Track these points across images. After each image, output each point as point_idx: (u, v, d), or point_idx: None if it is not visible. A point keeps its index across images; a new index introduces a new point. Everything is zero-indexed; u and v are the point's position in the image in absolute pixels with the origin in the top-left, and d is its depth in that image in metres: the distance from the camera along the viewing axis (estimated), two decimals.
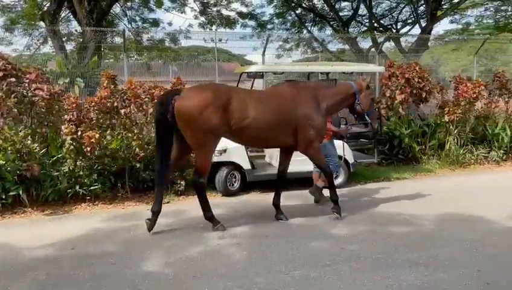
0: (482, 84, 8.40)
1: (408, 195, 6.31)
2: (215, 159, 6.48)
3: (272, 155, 7.24)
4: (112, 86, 6.37)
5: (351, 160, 6.98)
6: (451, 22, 28.42)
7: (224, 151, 6.47)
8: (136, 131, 6.33)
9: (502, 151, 8.57)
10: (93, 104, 6.10)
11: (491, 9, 27.95)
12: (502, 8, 27.88)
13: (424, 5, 16.09)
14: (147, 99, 6.38)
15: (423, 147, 8.55)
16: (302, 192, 6.60)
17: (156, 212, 4.85)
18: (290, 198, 6.30)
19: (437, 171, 8.12)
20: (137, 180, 6.53)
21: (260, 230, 4.95)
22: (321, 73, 7.48)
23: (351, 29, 20.07)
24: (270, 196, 5.72)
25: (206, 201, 4.94)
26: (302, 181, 6.85)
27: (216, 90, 4.77)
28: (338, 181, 6.87)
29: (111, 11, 16.88)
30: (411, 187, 6.84)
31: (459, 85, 8.51)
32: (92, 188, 6.14)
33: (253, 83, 6.50)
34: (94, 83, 9.89)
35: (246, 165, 6.52)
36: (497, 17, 28.24)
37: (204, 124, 4.54)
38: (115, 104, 6.19)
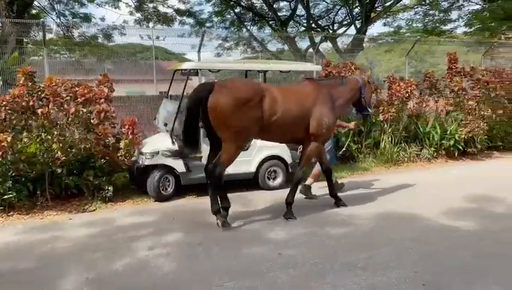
0: (414, 84, 8.65)
1: (346, 195, 6.27)
2: (146, 162, 6.07)
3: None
4: (30, 84, 5.74)
5: (289, 160, 6.84)
6: (384, 24, 29.68)
7: (157, 153, 6.06)
8: (56, 133, 5.73)
9: (432, 149, 8.89)
10: (4, 103, 5.43)
11: (420, 13, 29.64)
12: (430, 12, 29.66)
13: (358, 7, 16.55)
14: (68, 98, 5.80)
15: (359, 145, 8.65)
16: (240, 194, 6.37)
17: (217, 211, 4.95)
18: None
19: (373, 170, 8.24)
20: (60, 186, 5.93)
21: (193, 237, 4.63)
22: (258, 71, 7.28)
23: (289, 29, 20.24)
24: (206, 200, 5.43)
25: (217, 193, 4.98)
26: (240, 183, 6.63)
27: (250, 87, 4.86)
28: (277, 182, 6.72)
29: (37, 3, 15.65)
30: (349, 186, 6.83)
31: (393, 85, 8.71)
32: (5, 197, 5.49)
33: (186, 82, 6.15)
34: (13, 80, 8.98)
35: (180, 167, 6.15)
36: (426, 21, 30.02)
37: (239, 121, 4.59)
38: (31, 103, 5.56)
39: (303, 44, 18.81)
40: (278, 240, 4.52)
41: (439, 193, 6.42)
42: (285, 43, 17.32)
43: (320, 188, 6.41)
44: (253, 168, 6.53)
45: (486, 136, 9.16)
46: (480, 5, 29.47)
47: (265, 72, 7.17)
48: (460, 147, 8.87)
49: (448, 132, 8.92)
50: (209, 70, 7.00)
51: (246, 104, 4.62)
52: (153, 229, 4.90)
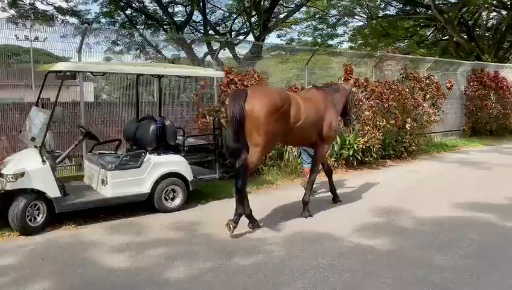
0: None
1: (256, 212, 5.69)
2: (8, 186, 4.79)
3: (92, 176, 5.82)
4: None
5: (189, 177, 6.06)
6: (278, 36, 30.71)
7: (22, 175, 4.81)
8: None
9: (333, 159, 8.83)
10: None
11: (311, 27, 31.13)
12: (319, 26, 31.32)
13: (256, 16, 16.45)
14: None
15: (264, 158, 8.20)
16: (132, 221, 5.41)
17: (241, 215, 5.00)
18: (115, 230, 5.04)
19: (278, 183, 7.84)
20: None
21: (66, 285, 3.60)
22: (152, 76, 6.39)
23: (185, 36, 19.44)
24: (89, 230, 4.42)
25: (244, 186, 5.05)
26: (133, 206, 5.66)
27: (280, 94, 5.10)
28: (175, 203, 5.88)
29: None
30: (255, 203, 6.28)
31: None
32: None
33: (61, 87, 5.01)
34: None
35: (54, 192, 4.97)
36: (315, 34, 31.64)
37: (271, 127, 4.82)
38: None
39: (201, 51, 18.16)
40: (178, 281, 3.71)
41: (346, 207, 6.19)
42: (182, 49, 16.45)
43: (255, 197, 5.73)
44: (147, 189, 5.60)
45: (380, 146, 9.41)
46: (362, 22, 32.01)
47: (160, 77, 6.30)
48: (359, 157, 8.96)
49: (347, 142, 8.94)
50: (92, 73, 5.92)
51: (278, 110, 4.89)
52: (12, 277, 3.75)
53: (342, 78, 9.72)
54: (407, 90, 10.14)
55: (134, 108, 6.73)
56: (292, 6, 19.01)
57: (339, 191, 6.80)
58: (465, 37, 25.51)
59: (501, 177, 8.21)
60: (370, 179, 8.12)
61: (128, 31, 18.66)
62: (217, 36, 17.81)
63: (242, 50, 16.90)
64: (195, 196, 6.51)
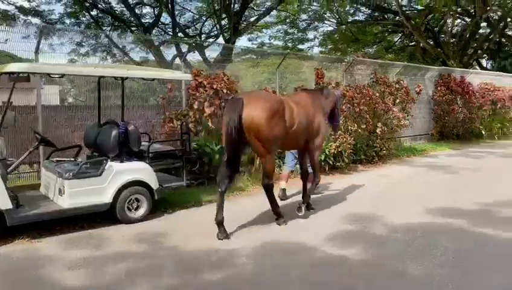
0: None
1: (227, 221, 5.45)
2: None
3: (49, 185, 5.42)
4: None
5: (155, 185, 5.75)
6: (249, 40, 30.63)
7: None
8: None
9: None
10: None
11: (282, 31, 31.20)
12: (290, 31, 31.43)
13: (226, 18, 16.23)
14: None
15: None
16: (91, 233, 5.06)
17: (221, 221, 4.96)
18: (73, 243, 4.69)
19: (249, 189, 7.62)
20: None
21: None
22: (115, 78, 6.04)
23: (154, 38, 19.01)
24: (44, 244, 4.06)
25: (274, 199, 5.46)
26: (94, 217, 5.31)
27: (275, 100, 5.17)
28: (139, 213, 5.56)
29: None
30: (225, 212, 6.05)
31: None
32: None
33: (13, 89, 4.61)
34: None
35: (5, 203, 4.56)
36: (286, 39, 31.74)
37: (271, 133, 4.85)
38: None
39: (169, 53, 17.76)
40: None
41: (318, 214, 6.03)
42: (150, 52, 16.04)
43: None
44: (108, 198, 5.25)
45: (351, 150, 9.35)
46: (332, 27, 32.36)
47: (123, 79, 5.97)
48: (331, 162, 8.86)
49: None
50: (50, 75, 5.52)
51: (276, 114, 4.91)
52: None
53: (314, 82, 9.66)
54: (377, 94, 10.15)
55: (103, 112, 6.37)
56: (263, 9, 18.91)
57: (311, 197, 6.66)
58: (432, 43, 26.18)
59: (468, 181, 8.28)
60: (342, 184, 8.02)
61: (93, 32, 18.09)
62: (186, 38, 17.49)
63: (212, 53, 16.65)
64: (161, 204, 6.20)
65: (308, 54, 22.82)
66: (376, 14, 30.44)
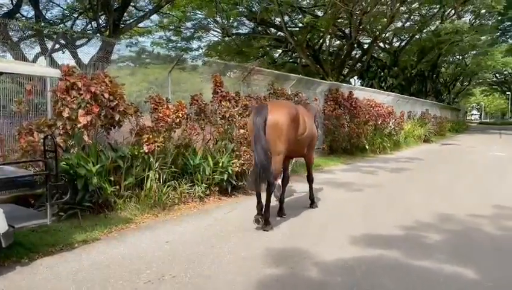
0: (185, 107, 7.03)
1: (102, 278, 3.92)
2: None
3: None
4: None
5: (2, 228, 3.92)
6: (128, 46, 28.24)
7: None
8: None
9: (204, 185, 7.42)
10: None
11: (164, 38, 29.53)
12: (174, 38, 29.93)
13: (104, 15, 14.14)
14: None
15: (118, 187, 6.34)
16: None
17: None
18: None
19: (138, 220, 6.06)
20: None
21: None
22: None
23: (11, 33, 15.84)
24: None
25: (270, 201, 5.66)
26: None
27: (293, 107, 5.96)
28: None
29: None
30: (104, 258, 4.50)
31: (159, 107, 6.83)
32: None
33: None
34: None
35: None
36: (169, 46, 30.14)
37: (288, 135, 5.58)
38: None
39: (31, 53, 14.85)
40: None
41: (233, 253, 4.83)
42: (5, 47, 13.09)
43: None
44: None
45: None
46: (218, 38, 31.81)
47: None
48: (234, 182, 7.75)
49: (220, 164, 7.65)
50: None
51: (294, 120, 5.67)
52: None
53: (211, 90, 8.51)
54: None
55: None
56: (146, 9, 17.17)
57: (216, 227, 5.45)
58: (312, 59, 27.21)
59: (377, 200, 7.91)
60: (249, 208, 6.95)
61: None
62: (54, 36, 14.83)
63: (87, 56, 14.35)
64: (16, 251, 4.37)
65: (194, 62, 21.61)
66: (259, 28, 30.81)
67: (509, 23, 42.46)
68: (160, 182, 6.77)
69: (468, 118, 76.52)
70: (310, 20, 22.77)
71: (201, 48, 32.31)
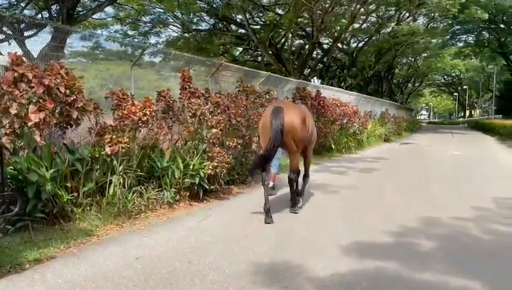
0: (153, 104, 6.33)
1: None
2: None
3: None
4: None
5: None
6: (81, 38, 26.65)
7: None
8: None
9: (173, 189, 6.76)
10: None
11: (120, 32, 28.17)
12: (130, 33, 28.62)
13: (57, 4, 12.98)
14: None
15: (75, 194, 5.55)
16: None
17: (268, 210, 5.96)
18: None
19: (100, 232, 5.32)
20: None
21: None
22: None
23: None
24: None
25: (296, 190, 6.62)
26: None
27: (302, 108, 6.73)
28: None
29: None
30: (62, 282, 3.79)
31: (123, 103, 6.09)
32: None
33: None
34: None
35: None
36: (126, 42, 28.79)
37: (302, 134, 6.20)
38: None
39: None
40: None
41: (214, 268, 4.25)
42: None
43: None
44: None
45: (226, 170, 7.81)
46: (177, 33, 30.79)
47: None
48: (206, 186, 7.14)
49: (191, 167, 7.01)
50: None
51: (304, 120, 6.25)
52: None
53: (179, 86, 7.84)
54: (252, 105, 8.88)
55: None
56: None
57: (191, 238, 4.86)
58: (274, 58, 26.91)
59: (355, 203, 7.55)
60: (224, 214, 6.39)
61: None
62: None
63: (37, 48, 13.10)
64: None
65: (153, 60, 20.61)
66: (220, 25, 30.14)
67: (458, 27, 44.51)
68: (124, 187, 6.04)
69: (418, 117, 79.61)
70: (273, 17, 22.41)
71: (160, 44, 31.17)
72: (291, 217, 6.40)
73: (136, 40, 29.08)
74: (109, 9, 25.82)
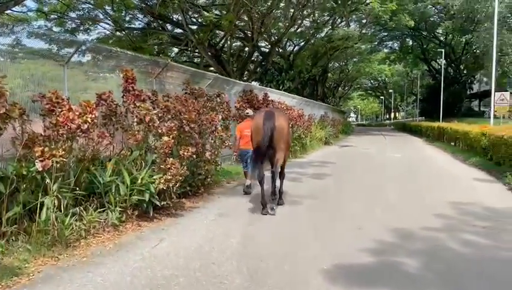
0: (94, 109, 5.32)
1: None
2: None
3: None
4: None
5: None
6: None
7: None
8: None
9: (119, 209, 5.79)
10: None
11: (44, 28, 25.72)
12: (56, 29, 26.23)
13: None
14: None
15: None
16: None
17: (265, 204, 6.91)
18: None
19: (31, 269, 4.26)
20: None
21: None
22: None
23: None
24: None
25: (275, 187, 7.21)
26: None
27: (285, 114, 9.58)
28: None
29: None
30: None
31: (57, 108, 5.03)
32: None
33: None
34: None
35: None
36: (50, 39, 26.38)
37: (288, 136, 7.28)
38: None
39: None
40: None
41: None
42: None
43: None
44: None
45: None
46: (109, 31, 28.86)
47: None
48: (157, 202, 6.24)
49: (138, 182, 6.08)
50: None
51: (289, 125, 7.46)
52: None
53: (121, 88, 6.87)
54: (204, 109, 8.08)
55: None
56: None
57: (147, 270, 4.01)
58: (214, 60, 26.13)
59: (320, 215, 7.04)
60: (180, 236, 5.56)
61: None
62: None
63: None
64: None
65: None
66: (155, 24, 28.75)
67: (385, 33, 46.84)
68: (60, 210, 4.98)
69: (347, 120, 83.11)
70: (212, 18, 21.64)
71: (88, 42, 29.01)
72: (263, 235, 5.73)
73: (62, 37, 26.80)
74: (32, 4, 23.54)
